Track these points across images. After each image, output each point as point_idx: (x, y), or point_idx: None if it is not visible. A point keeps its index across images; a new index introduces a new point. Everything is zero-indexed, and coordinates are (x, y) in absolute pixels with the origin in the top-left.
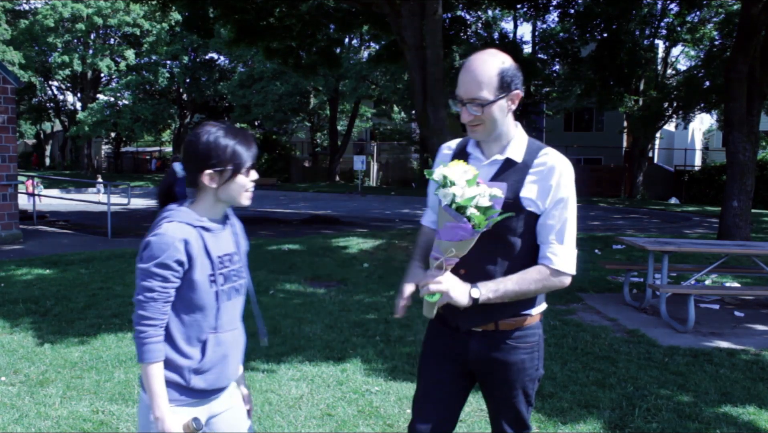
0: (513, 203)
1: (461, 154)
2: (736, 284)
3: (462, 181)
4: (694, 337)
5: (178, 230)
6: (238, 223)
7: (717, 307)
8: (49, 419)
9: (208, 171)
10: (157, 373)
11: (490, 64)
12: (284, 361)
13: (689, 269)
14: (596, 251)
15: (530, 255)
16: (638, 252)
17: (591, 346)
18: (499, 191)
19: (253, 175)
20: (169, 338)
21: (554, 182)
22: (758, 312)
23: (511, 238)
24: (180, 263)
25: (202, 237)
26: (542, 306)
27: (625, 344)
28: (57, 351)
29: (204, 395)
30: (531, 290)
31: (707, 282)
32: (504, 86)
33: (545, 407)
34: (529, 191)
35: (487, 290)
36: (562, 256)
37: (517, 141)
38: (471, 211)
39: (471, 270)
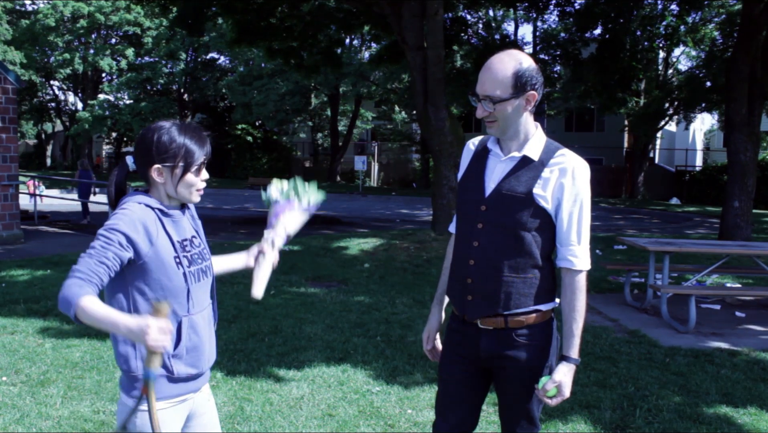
0: (526, 199)
1: (483, 150)
2: (737, 285)
3: (285, 185)
4: (695, 337)
5: (140, 210)
6: (193, 208)
7: (718, 307)
8: (51, 419)
9: (156, 166)
10: (93, 301)
11: (506, 64)
12: (285, 361)
13: (690, 270)
14: (597, 251)
15: (538, 250)
16: (639, 252)
17: (592, 346)
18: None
19: (204, 174)
20: None
21: (569, 182)
22: (759, 312)
23: (521, 232)
24: (129, 240)
25: (160, 219)
26: (553, 304)
27: (626, 345)
28: (58, 351)
29: (188, 380)
30: (582, 304)
31: (708, 282)
32: (518, 86)
33: (546, 407)
34: (542, 188)
35: (574, 350)
36: (581, 256)
37: (535, 140)
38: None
39: (479, 262)
